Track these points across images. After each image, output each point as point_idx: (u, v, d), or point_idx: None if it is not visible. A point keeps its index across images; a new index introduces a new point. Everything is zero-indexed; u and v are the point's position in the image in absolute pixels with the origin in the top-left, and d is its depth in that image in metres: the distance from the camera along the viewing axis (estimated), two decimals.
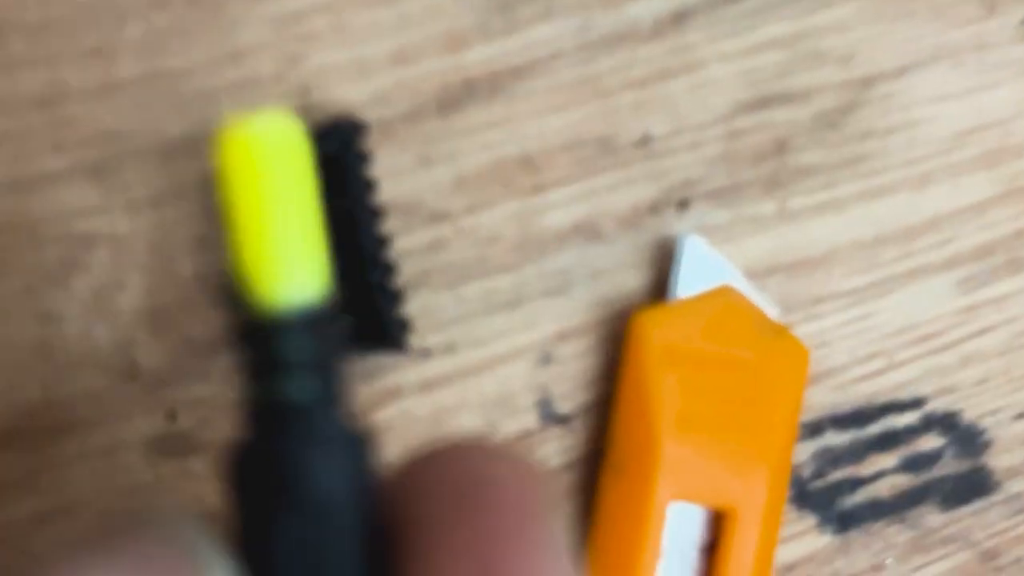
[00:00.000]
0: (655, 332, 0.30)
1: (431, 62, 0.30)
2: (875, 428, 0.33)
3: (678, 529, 0.30)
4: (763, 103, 0.32)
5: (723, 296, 0.31)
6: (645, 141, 0.31)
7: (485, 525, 0.17)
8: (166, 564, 0.16)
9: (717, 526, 0.30)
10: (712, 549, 0.31)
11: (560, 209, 0.31)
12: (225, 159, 0.16)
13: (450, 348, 0.30)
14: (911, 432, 0.33)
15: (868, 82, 0.33)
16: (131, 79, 0.28)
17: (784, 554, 0.32)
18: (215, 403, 0.29)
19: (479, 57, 0.30)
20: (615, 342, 0.31)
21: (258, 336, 0.16)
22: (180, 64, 0.29)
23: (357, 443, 0.17)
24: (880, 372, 0.33)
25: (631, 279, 0.31)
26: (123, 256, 0.28)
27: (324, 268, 0.17)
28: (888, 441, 0.33)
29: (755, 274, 0.32)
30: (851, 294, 0.33)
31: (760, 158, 0.32)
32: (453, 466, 0.18)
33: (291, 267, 0.16)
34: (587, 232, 0.31)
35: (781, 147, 0.32)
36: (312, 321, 0.16)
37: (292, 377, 0.16)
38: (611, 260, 0.31)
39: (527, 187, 0.31)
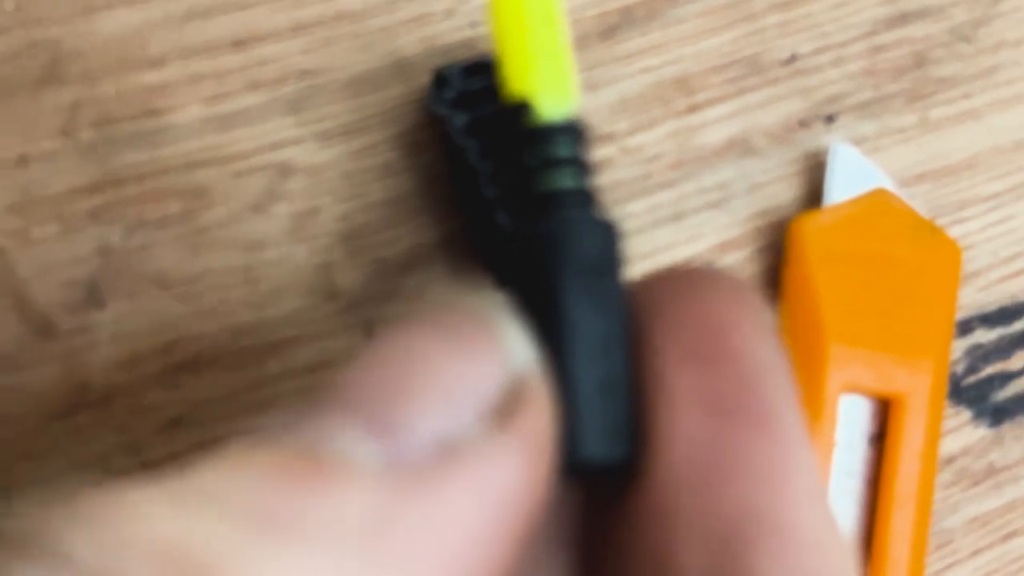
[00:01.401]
0: (816, 235, 0.31)
1: None
2: (1020, 324, 0.34)
3: (848, 421, 0.31)
4: (901, 19, 0.33)
5: (877, 198, 0.31)
6: (792, 59, 0.32)
7: (712, 307, 0.19)
8: (470, 331, 0.17)
9: (884, 417, 0.31)
10: (880, 439, 0.31)
11: (715, 127, 0.32)
12: (516, 4, 0.21)
13: None
14: None
15: None
16: (317, 20, 0.30)
17: (942, 447, 0.33)
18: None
19: None
20: (774, 250, 0.32)
21: (538, 141, 0.20)
22: (360, 5, 0.30)
23: (615, 226, 0.20)
24: (1022, 271, 0.34)
25: (785, 190, 0.32)
26: (318, 184, 0.29)
27: (576, 90, 0.21)
28: None
29: (902, 182, 0.33)
30: (992, 198, 0.34)
31: (900, 72, 0.33)
32: (685, 297, 0.20)
33: (557, 88, 0.20)
34: (741, 147, 0.32)
35: (920, 61, 0.33)
36: (573, 128, 0.20)
37: (565, 169, 0.20)
38: (765, 173, 0.32)
39: (683, 107, 0.32)
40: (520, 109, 0.21)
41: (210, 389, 0.29)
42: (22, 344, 0.28)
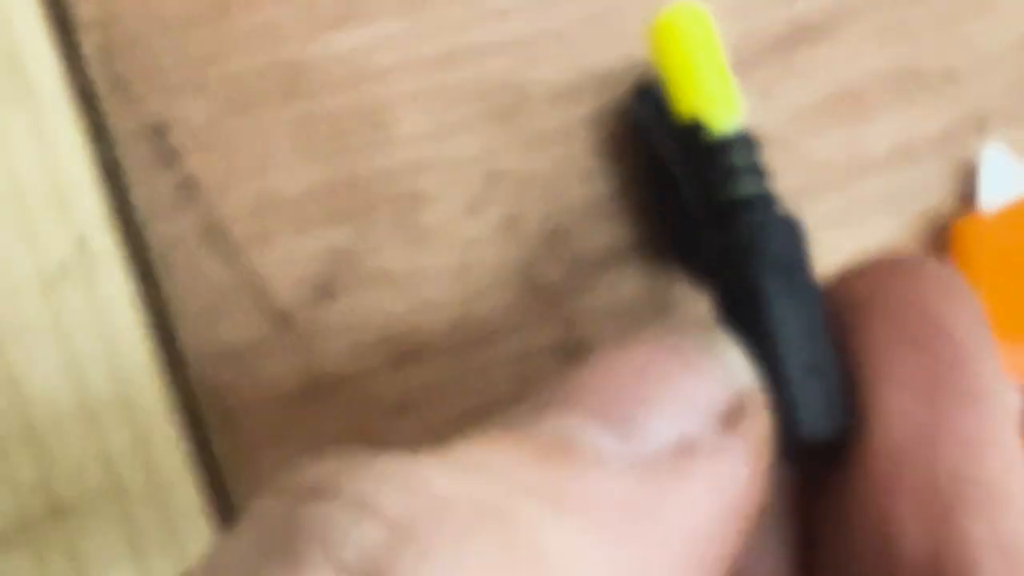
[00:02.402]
0: (979, 236, 0.33)
1: (767, 12, 0.33)
2: None
3: None
4: None
5: None
6: (949, 73, 0.34)
7: (925, 291, 0.21)
8: (696, 351, 0.20)
9: None
10: None
11: (879, 135, 0.34)
12: (675, 29, 0.23)
13: None
14: None
15: None
16: (524, 38, 0.31)
17: None
18: (604, 312, 0.32)
19: (805, 8, 0.33)
20: (938, 249, 0.34)
21: (715, 155, 0.22)
22: (562, 23, 0.32)
23: (799, 224, 0.22)
24: None
25: (946, 194, 0.34)
26: (525, 187, 0.31)
27: (741, 104, 0.23)
28: None
29: None
30: None
31: None
32: (896, 283, 0.21)
33: (723, 105, 0.23)
34: (904, 154, 0.34)
35: None
36: (744, 139, 0.23)
37: (744, 177, 0.22)
38: (927, 178, 0.34)
39: (851, 117, 0.34)
40: (694, 129, 0.23)
41: (431, 377, 0.31)
42: (262, 335, 0.30)
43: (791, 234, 0.22)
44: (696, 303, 0.32)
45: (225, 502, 0.30)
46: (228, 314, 0.29)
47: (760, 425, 0.20)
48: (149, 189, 0.29)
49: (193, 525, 0.29)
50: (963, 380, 0.20)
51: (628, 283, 0.32)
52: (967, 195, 0.34)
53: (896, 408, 0.20)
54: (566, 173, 0.31)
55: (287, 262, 0.30)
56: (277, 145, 0.30)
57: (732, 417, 0.19)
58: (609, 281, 0.32)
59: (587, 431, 0.18)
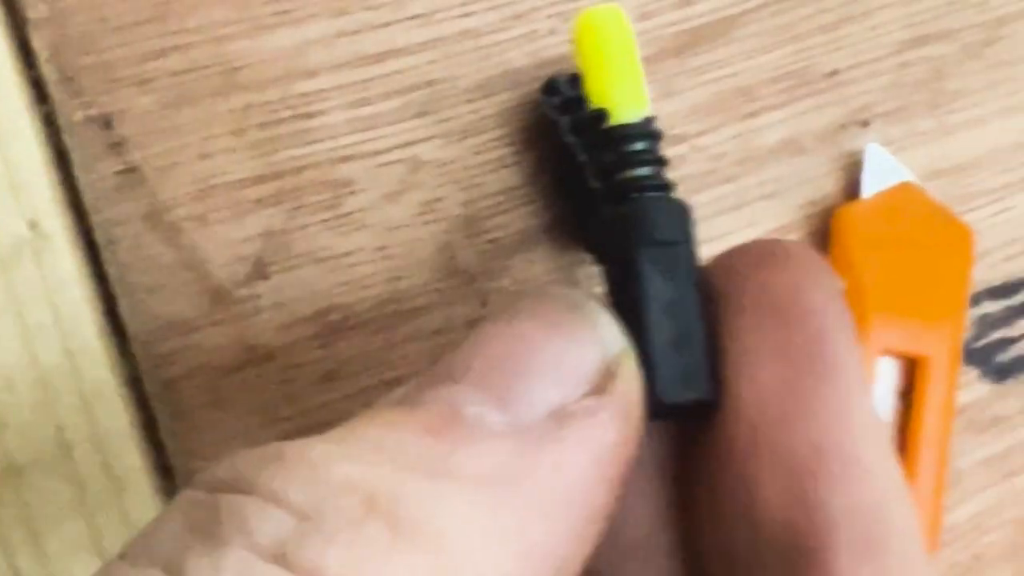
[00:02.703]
0: (855, 222, 0.36)
1: (668, 16, 0.36)
2: (1020, 298, 0.39)
3: (881, 378, 0.36)
4: (922, 40, 0.38)
5: (905, 191, 0.36)
6: (834, 73, 0.37)
7: (787, 271, 0.22)
8: (570, 321, 0.21)
9: (911, 375, 0.36)
10: (907, 394, 0.36)
11: (770, 130, 0.37)
12: (592, 27, 0.25)
13: None
14: None
15: (1000, 22, 0.39)
16: (443, 37, 0.34)
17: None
18: (516, 290, 0.34)
19: (703, 10, 0.36)
20: (821, 233, 0.36)
21: (617, 141, 0.24)
22: (479, 23, 0.34)
23: (685, 207, 0.23)
24: (1022, 253, 0.39)
25: (828, 184, 0.37)
26: (443, 175, 0.34)
27: (646, 97, 0.25)
28: None
29: (922, 177, 0.37)
30: (996, 191, 0.39)
31: (922, 84, 0.38)
32: (763, 266, 0.23)
33: (632, 96, 0.24)
34: (792, 147, 0.37)
35: (938, 75, 0.38)
36: (647, 128, 0.24)
37: (637, 161, 0.24)
38: (812, 169, 0.37)
39: (744, 113, 0.36)
40: (601, 115, 0.25)
41: (356, 348, 0.33)
42: (201, 310, 0.32)
43: (676, 216, 0.23)
44: (598, 284, 0.35)
45: (165, 463, 0.32)
46: (169, 291, 0.32)
47: (630, 389, 0.21)
48: (97, 176, 0.31)
49: (136, 484, 0.31)
50: (821, 356, 0.21)
51: (538, 263, 0.34)
52: (850, 187, 0.37)
53: (758, 381, 0.22)
54: (481, 162, 0.34)
55: (224, 243, 0.32)
56: (216, 135, 0.32)
57: (603, 383, 0.21)
58: (521, 262, 0.34)
59: (471, 403, 0.20)
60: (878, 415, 0.22)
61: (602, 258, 0.25)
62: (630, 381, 0.21)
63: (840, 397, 0.21)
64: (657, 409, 0.22)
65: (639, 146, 0.25)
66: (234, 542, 0.17)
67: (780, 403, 0.21)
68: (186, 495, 0.19)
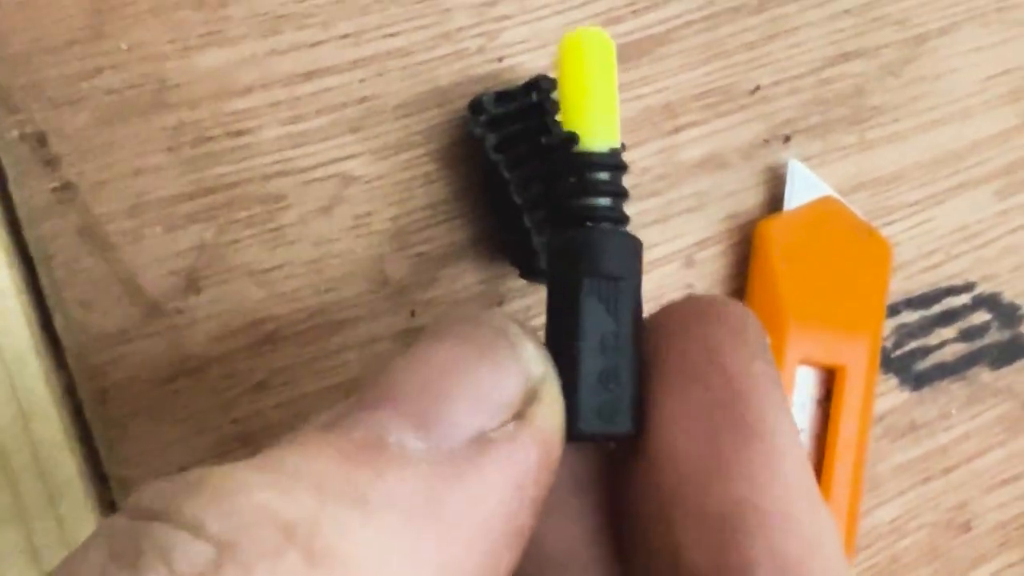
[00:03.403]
0: (776, 235, 0.36)
1: None
2: (938, 308, 0.40)
3: (800, 386, 0.37)
4: (843, 57, 0.39)
5: (825, 204, 0.37)
6: (756, 90, 0.38)
7: (710, 331, 0.23)
8: (494, 346, 0.21)
9: (829, 383, 0.37)
10: (826, 401, 0.37)
11: (694, 145, 0.37)
12: (578, 47, 0.24)
13: None
14: (965, 310, 0.40)
15: (920, 39, 0.40)
16: (372, 56, 0.35)
17: (874, 408, 0.39)
18: (443, 302, 0.35)
19: (629, 28, 0.37)
20: (743, 246, 0.37)
21: (582, 167, 0.23)
22: (407, 43, 0.35)
23: (636, 243, 0.23)
24: (939, 264, 0.40)
25: (751, 197, 0.38)
26: (373, 190, 0.34)
27: (617, 128, 0.24)
28: (948, 318, 0.40)
29: (843, 191, 0.39)
30: (915, 204, 0.40)
31: (843, 100, 0.39)
32: (692, 323, 0.23)
33: (605, 125, 0.24)
34: (715, 162, 0.38)
35: (858, 91, 0.39)
36: (613, 160, 0.24)
37: (601, 194, 0.23)
38: (735, 183, 0.38)
39: (668, 129, 0.37)
40: (569, 139, 0.24)
41: (287, 358, 0.34)
42: (134, 323, 0.33)
43: (627, 251, 0.23)
44: (524, 296, 0.36)
45: (100, 471, 0.33)
46: (103, 303, 0.32)
47: (550, 415, 0.21)
48: (32, 192, 0.32)
49: (71, 492, 0.32)
50: (743, 416, 0.21)
51: (465, 277, 0.35)
52: (772, 201, 0.38)
53: (682, 440, 0.22)
54: (410, 178, 0.35)
55: (157, 258, 0.33)
56: (149, 152, 0.33)
57: (524, 409, 0.21)
58: (448, 275, 0.35)
59: (392, 429, 0.20)
60: (807, 467, 0.22)
61: (547, 278, 0.24)
62: (550, 407, 0.21)
63: (764, 453, 0.21)
64: (577, 435, 0.22)
65: (603, 176, 0.24)
66: (156, 569, 0.17)
67: (703, 461, 0.22)
68: (111, 522, 0.19)
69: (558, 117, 0.35)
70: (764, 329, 0.23)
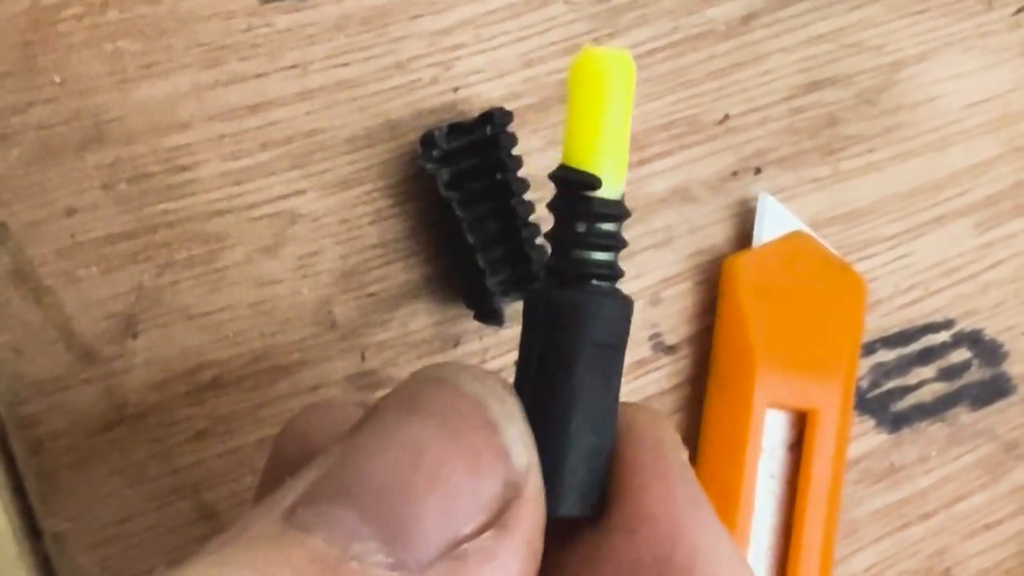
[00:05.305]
0: (745, 272, 0.35)
1: (552, 63, 0.35)
2: (916, 346, 0.38)
3: (771, 430, 0.35)
4: (816, 86, 0.37)
5: (796, 240, 0.35)
6: (725, 120, 0.37)
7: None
8: (474, 433, 0.19)
9: (801, 427, 0.36)
10: (797, 446, 0.36)
11: (660, 177, 0.36)
12: (596, 72, 0.21)
13: None
14: (944, 348, 0.39)
15: (897, 66, 0.38)
16: (320, 87, 0.33)
17: (849, 450, 0.37)
18: (395, 345, 0.34)
19: None
20: (711, 283, 0.36)
21: (590, 216, 0.21)
22: (357, 74, 0.34)
23: (631, 305, 0.21)
24: (918, 300, 0.38)
25: (719, 232, 0.36)
26: (320, 228, 0.33)
27: (624, 177, 0.21)
28: (927, 356, 0.38)
29: (816, 224, 0.37)
30: (892, 238, 0.38)
31: (816, 130, 0.37)
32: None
33: (617, 168, 0.21)
34: (682, 195, 0.36)
35: (832, 121, 0.38)
36: (621, 210, 0.21)
37: (606, 248, 0.21)
38: (702, 218, 0.36)
39: (633, 161, 0.36)
40: (589, 182, 0.21)
41: (230, 405, 0.32)
42: (68, 369, 0.31)
43: (623, 316, 0.21)
44: (479, 338, 0.34)
45: (33, 526, 0.31)
46: (36, 350, 0.31)
47: (533, 516, 0.19)
48: None
49: (2, 548, 0.30)
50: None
51: (418, 318, 0.34)
52: (742, 235, 0.36)
53: (643, 515, 0.20)
54: (359, 215, 0.33)
55: (92, 301, 0.31)
56: (83, 190, 0.31)
57: (504, 514, 0.19)
58: (401, 316, 0.33)
59: (357, 536, 0.18)
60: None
61: (528, 328, 0.22)
62: (534, 505, 0.19)
63: (705, 529, 0.20)
64: (553, 517, 0.20)
65: (611, 228, 0.21)
66: None
67: (659, 547, 0.20)
68: None
69: (514, 151, 0.34)
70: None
